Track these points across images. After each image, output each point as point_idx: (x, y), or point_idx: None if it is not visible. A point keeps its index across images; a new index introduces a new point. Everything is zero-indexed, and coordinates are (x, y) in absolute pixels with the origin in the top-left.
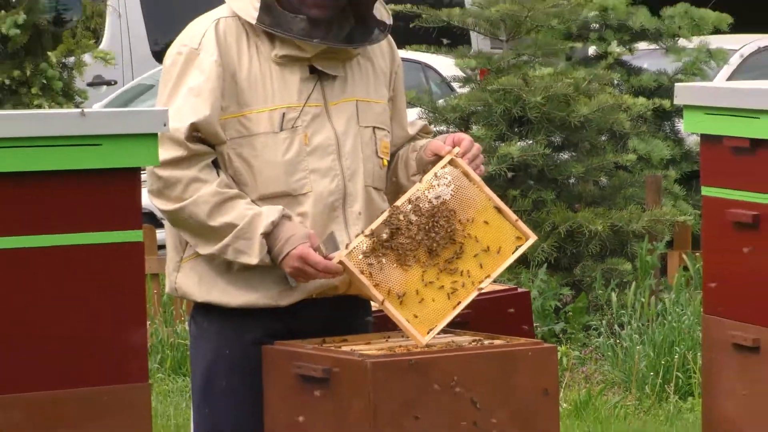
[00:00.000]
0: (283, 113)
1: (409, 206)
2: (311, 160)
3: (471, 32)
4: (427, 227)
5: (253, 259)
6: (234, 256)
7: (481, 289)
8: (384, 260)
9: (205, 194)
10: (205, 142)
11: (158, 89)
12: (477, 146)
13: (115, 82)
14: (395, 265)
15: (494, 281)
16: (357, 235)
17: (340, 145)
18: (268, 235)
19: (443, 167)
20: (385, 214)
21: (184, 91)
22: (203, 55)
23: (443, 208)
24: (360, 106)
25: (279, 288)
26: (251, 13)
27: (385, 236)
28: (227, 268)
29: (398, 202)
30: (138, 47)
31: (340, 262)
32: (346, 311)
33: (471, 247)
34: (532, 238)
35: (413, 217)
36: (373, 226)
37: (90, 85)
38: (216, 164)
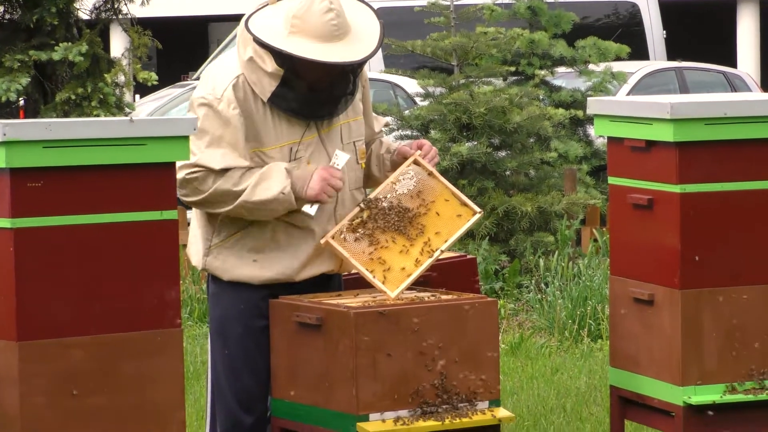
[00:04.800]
0: (290, 147)
1: (383, 197)
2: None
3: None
4: (397, 212)
5: (274, 188)
6: (258, 195)
7: (440, 254)
8: (362, 239)
9: (229, 173)
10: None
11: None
12: (434, 149)
13: None
14: (370, 241)
15: (449, 250)
16: (341, 222)
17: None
18: (289, 173)
19: (408, 166)
20: (362, 205)
21: (215, 136)
22: (229, 108)
23: (409, 197)
24: (343, 128)
25: (296, 266)
26: (265, 93)
27: (360, 220)
28: (248, 252)
29: (372, 195)
30: None
31: (327, 243)
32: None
33: (431, 224)
34: (479, 212)
35: (385, 205)
36: (353, 213)
37: None
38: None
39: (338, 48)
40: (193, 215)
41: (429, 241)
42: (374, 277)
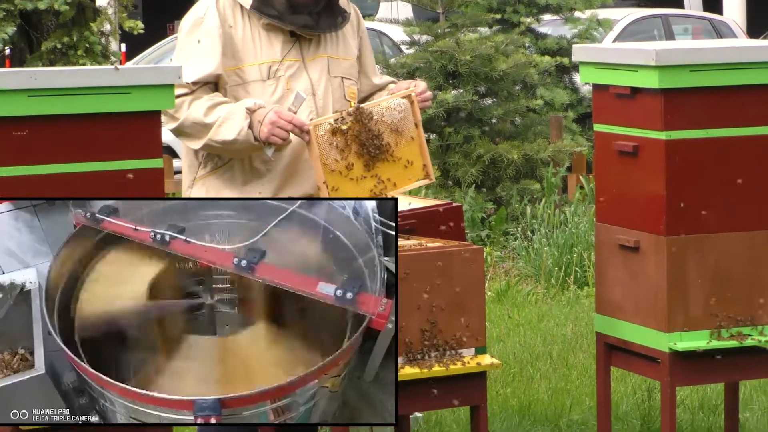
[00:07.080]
0: (269, 66)
1: (370, 114)
2: (293, 99)
3: None
4: (374, 134)
5: (234, 129)
6: (221, 135)
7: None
8: (335, 143)
9: (201, 102)
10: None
11: (176, 50)
12: (430, 92)
13: None
14: (339, 155)
15: (434, 197)
16: (326, 116)
17: (314, 89)
18: (252, 112)
19: (403, 98)
20: (351, 109)
21: (194, 50)
22: (208, 22)
23: (389, 131)
24: (330, 61)
25: (272, 188)
26: (246, 1)
27: (344, 127)
28: (230, 184)
29: (364, 105)
30: None
31: (310, 127)
32: None
33: (393, 164)
34: (431, 179)
35: (367, 122)
36: (339, 114)
37: None
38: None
39: None
40: (183, 153)
41: (384, 183)
42: (326, 189)
